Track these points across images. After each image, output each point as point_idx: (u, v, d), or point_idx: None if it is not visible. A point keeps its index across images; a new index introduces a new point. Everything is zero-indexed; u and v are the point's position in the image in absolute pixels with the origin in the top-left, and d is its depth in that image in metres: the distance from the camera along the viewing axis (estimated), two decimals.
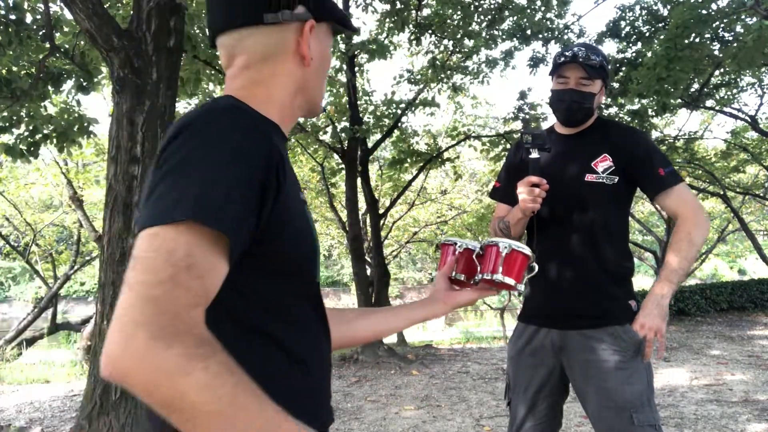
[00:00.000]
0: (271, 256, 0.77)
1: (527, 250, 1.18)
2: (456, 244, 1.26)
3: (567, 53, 1.84)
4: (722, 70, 8.31)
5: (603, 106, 8.56)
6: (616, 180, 1.82)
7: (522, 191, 1.75)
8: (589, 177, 1.83)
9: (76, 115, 5.18)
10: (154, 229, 0.63)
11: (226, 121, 0.73)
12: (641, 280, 24.95)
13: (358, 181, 8.37)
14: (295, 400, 0.72)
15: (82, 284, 27.39)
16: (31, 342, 9.37)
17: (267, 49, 0.85)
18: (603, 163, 1.83)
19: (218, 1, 0.87)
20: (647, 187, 1.85)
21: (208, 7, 0.90)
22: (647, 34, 8.11)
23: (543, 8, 7.63)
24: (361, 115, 8.17)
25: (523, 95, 8.90)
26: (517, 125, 9.51)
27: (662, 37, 6.62)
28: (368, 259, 9.37)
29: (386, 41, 7.27)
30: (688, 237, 1.75)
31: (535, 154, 1.76)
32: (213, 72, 5.64)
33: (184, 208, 0.63)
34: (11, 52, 4.43)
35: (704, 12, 6.03)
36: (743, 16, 6.29)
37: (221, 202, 0.65)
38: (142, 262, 0.61)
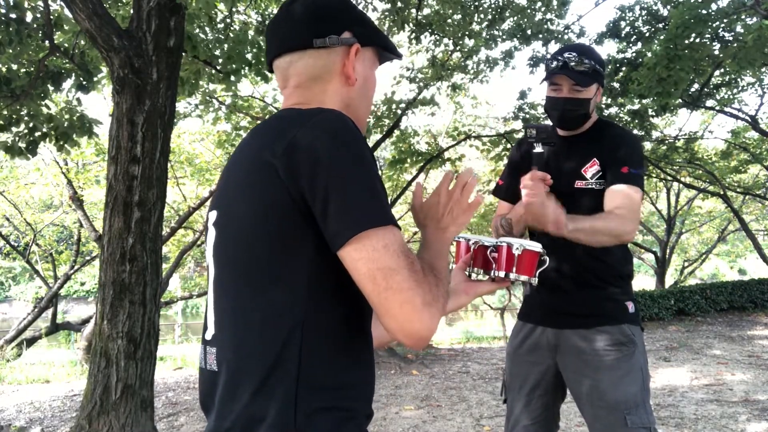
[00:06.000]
0: None
1: (538, 247, 1.23)
2: (469, 240, 1.30)
3: (558, 59, 1.79)
4: (722, 70, 8.31)
5: (603, 106, 8.56)
6: (605, 184, 1.79)
7: (526, 185, 1.74)
8: (578, 183, 1.82)
9: (78, 114, 5.17)
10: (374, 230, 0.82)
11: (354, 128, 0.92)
12: (641, 280, 24.94)
13: None
14: (372, 384, 0.94)
15: (82, 284, 27.37)
16: (31, 342, 9.36)
17: (316, 70, 0.97)
18: (591, 169, 1.82)
19: (274, 30, 1.00)
20: (606, 178, 1.78)
21: (267, 38, 1.03)
22: (647, 34, 8.12)
23: (543, 8, 7.62)
24: None
25: (523, 95, 8.90)
26: (518, 125, 9.51)
27: (662, 37, 6.62)
28: None
29: None
30: (608, 222, 1.66)
31: (539, 149, 1.75)
32: (213, 72, 5.62)
33: (387, 215, 0.84)
34: (11, 51, 4.42)
35: (704, 12, 6.02)
36: (743, 16, 6.28)
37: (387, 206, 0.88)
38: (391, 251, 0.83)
